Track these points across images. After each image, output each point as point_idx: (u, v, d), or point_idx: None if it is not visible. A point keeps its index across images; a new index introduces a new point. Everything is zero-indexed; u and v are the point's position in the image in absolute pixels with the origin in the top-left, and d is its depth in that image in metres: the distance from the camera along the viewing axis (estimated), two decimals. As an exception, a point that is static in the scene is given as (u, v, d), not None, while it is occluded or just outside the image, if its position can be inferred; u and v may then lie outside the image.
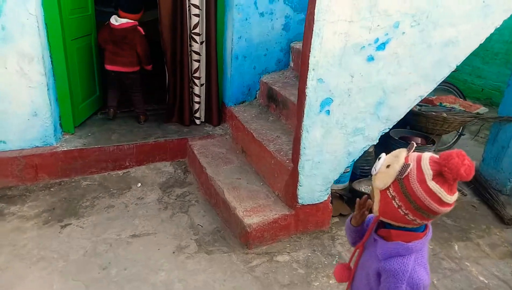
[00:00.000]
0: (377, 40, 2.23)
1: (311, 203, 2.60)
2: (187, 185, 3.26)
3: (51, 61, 3.04)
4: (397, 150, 1.11)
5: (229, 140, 3.60)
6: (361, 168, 3.30)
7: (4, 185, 2.98)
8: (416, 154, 1.10)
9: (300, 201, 2.56)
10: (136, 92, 3.71)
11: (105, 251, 2.46)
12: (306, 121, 2.32)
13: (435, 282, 2.41)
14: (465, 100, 4.11)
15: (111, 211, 2.85)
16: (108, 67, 3.55)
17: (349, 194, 3.10)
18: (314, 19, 2.05)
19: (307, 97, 2.24)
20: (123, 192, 3.08)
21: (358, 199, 1.32)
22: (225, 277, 2.31)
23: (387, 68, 2.29)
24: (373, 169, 1.14)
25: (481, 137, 4.87)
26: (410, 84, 2.40)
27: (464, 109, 3.80)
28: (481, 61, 5.99)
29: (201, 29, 3.39)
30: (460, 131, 4.29)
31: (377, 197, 1.13)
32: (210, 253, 2.50)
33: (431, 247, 2.75)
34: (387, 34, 2.22)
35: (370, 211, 1.27)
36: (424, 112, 3.50)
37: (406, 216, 1.09)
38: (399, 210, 1.08)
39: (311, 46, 2.08)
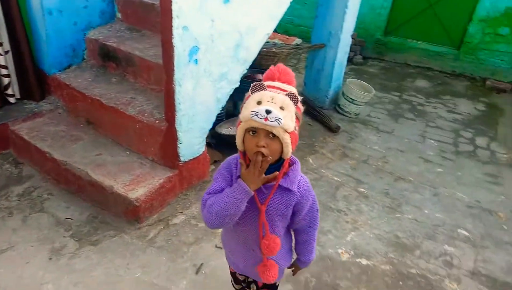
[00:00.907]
0: (229, -21, 2.19)
1: (192, 157, 2.54)
2: (26, 179, 2.64)
3: None
4: (266, 93, 1.06)
5: (64, 114, 3.02)
6: (216, 113, 3.36)
7: None
8: (263, 87, 1.08)
9: (181, 158, 2.46)
10: None
11: None
12: (177, 74, 2.16)
13: (309, 193, 2.82)
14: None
15: None
16: None
17: (213, 139, 3.16)
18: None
19: (175, 48, 2.07)
20: None
21: (258, 157, 1.07)
22: (126, 260, 2.09)
23: (241, 9, 2.31)
24: (276, 122, 1.03)
25: (290, 65, 5.65)
26: (260, 23, 2.51)
27: (283, 42, 4.26)
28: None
29: (-14, -22, 2.57)
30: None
31: (287, 140, 1.07)
32: (97, 243, 2.18)
33: (294, 167, 3.15)
34: (237, -28, 2.21)
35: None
36: (257, 50, 3.75)
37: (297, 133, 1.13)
38: (296, 132, 1.11)
39: (173, -9, 1.89)
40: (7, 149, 2.82)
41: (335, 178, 3.07)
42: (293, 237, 1.41)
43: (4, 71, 2.85)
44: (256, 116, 1.04)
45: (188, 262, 2.11)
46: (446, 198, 2.97)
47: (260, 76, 3.65)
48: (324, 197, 2.81)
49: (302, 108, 1.13)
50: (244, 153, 1.15)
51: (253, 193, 1.13)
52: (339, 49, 3.94)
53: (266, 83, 1.10)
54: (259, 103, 1.05)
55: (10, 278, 1.91)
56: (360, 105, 4.18)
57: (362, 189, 2.97)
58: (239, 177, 1.14)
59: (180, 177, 2.51)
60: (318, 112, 4.06)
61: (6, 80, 2.89)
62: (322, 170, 3.16)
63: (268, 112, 1.03)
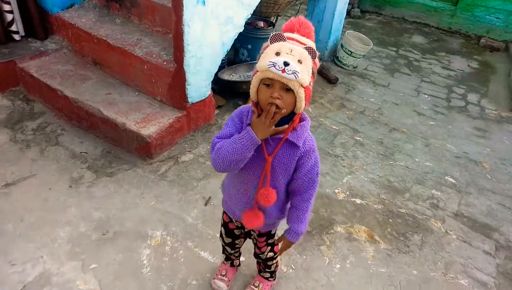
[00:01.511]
0: None
1: (199, 99, 2.64)
2: (39, 115, 2.72)
3: None
4: (285, 45, 1.05)
5: (70, 54, 3.04)
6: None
7: None
8: (282, 37, 1.07)
9: (189, 100, 2.55)
10: None
11: (-22, 213, 1.97)
12: (186, 15, 2.20)
13: (308, 139, 2.97)
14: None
15: (-47, 169, 2.19)
16: None
17: (216, 86, 3.24)
18: None
19: (184, -12, 2.10)
20: (-46, 144, 2.36)
21: (271, 108, 1.08)
22: (141, 190, 2.25)
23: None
24: (293, 76, 1.03)
25: (288, 16, 5.59)
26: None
27: (285, -9, 4.21)
28: None
29: None
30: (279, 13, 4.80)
31: (302, 95, 1.07)
32: (113, 175, 2.33)
33: (295, 114, 3.29)
34: None
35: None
36: (259, -3, 3.72)
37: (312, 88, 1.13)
38: (311, 88, 1.11)
39: None
40: (17, 86, 2.87)
41: (333, 127, 3.22)
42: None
43: (7, 7, 2.83)
44: (273, 67, 1.02)
45: (198, 194, 2.28)
46: (436, 148, 3.16)
47: (261, 24, 3.67)
48: (323, 143, 2.97)
49: (318, 63, 1.11)
50: (257, 103, 1.14)
51: (260, 142, 1.13)
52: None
53: (285, 34, 1.07)
54: (277, 54, 1.03)
55: (36, 201, 2.06)
56: (358, 58, 4.25)
57: (358, 138, 3.13)
58: (249, 124, 1.15)
59: (188, 118, 2.62)
60: (317, 63, 4.12)
61: (9, 16, 2.87)
62: (321, 119, 3.30)
63: (286, 64, 1.01)
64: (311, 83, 1.09)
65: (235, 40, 2.73)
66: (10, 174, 2.21)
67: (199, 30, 2.34)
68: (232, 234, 1.59)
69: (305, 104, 1.10)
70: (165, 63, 2.53)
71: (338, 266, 2.00)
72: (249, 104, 1.20)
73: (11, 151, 2.36)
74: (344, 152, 2.92)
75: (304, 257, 2.02)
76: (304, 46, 1.05)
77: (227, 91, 3.29)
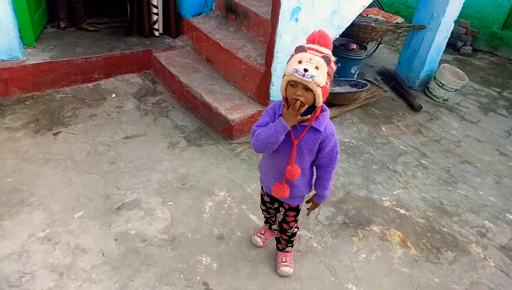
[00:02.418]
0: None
1: (279, 100, 3.13)
2: (159, 94, 3.53)
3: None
4: (305, 55, 1.33)
5: (190, 51, 3.84)
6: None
7: (-28, 101, 2.95)
8: (304, 49, 1.36)
9: (271, 98, 3.07)
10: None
11: (106, 150, 2.75)
12: (279, 28, 2.73)
13: (372, 152, 3.24)
14: (385, 11, 4.82)
15: (96, 119, 3.05)
16: None
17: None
18: None
19: (281, 6, 2.62)
20: (100, 103, 3.26)
21: (296, 103, 1.39)
22: (218, 161, 2.82)
23: (343, -20, 2.75)
24: (311, 79, 1.32)
25: (392, 45, 5.78)
26: (358, -4, 2.91)
27: (386, 19, 4.51)
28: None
29: None
30: (379, 40, 5.08)
31: (319, 92, 1.36)
32: (200, 146, 2.95)
33: (366, 129, 3.56)
34: None
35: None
36: (357, 22, 4.10)
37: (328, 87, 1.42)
38: (328, 86, 1.39)
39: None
40: (148, 70, 3.75)
41: (401, 147, 3.40)
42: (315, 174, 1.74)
43: (155, 10, 3.74)
44: (296, 73, 1.33)
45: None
46: (507, 187, 3.11)
47: (353, 46, 4.04)
48: (385, 159, 3.19)
49: (334, 66, 1.40)
50: (286, 98, 1.45)
51: (289, 128, 1.45)
52: (438, 33, 4.07)
53: (307, 45, 1.37)
54: (300, 62, 1.33)
55: (143, 153, 2.78)
56: (450, 91, 4.28)
57: (424, 161, 3.26)
58: (280, 115, 1.47)
59: (267, 113, 3.13)
60: (405, 90, 4.30)
61: (155, 17, 3.79)
62: (391, 138, 3.50)
63: (305, 70, 1.31)
64: (328, 83, 1.40)
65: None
66: (130, 131, 2.98)
67: (289, 41, 2.85)
68: (266, 204, 2.02)
69: (323, 99, 1.41)
70: (258, 65, 3.10)
71: (363, 255, 2.27)
72: (281, 100, 1.55)
73: (134, 115, 3.16)
74: (405, 170, 3.10)
75: (335, 241, 2.33)
76: (321, 55, 1.35)
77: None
